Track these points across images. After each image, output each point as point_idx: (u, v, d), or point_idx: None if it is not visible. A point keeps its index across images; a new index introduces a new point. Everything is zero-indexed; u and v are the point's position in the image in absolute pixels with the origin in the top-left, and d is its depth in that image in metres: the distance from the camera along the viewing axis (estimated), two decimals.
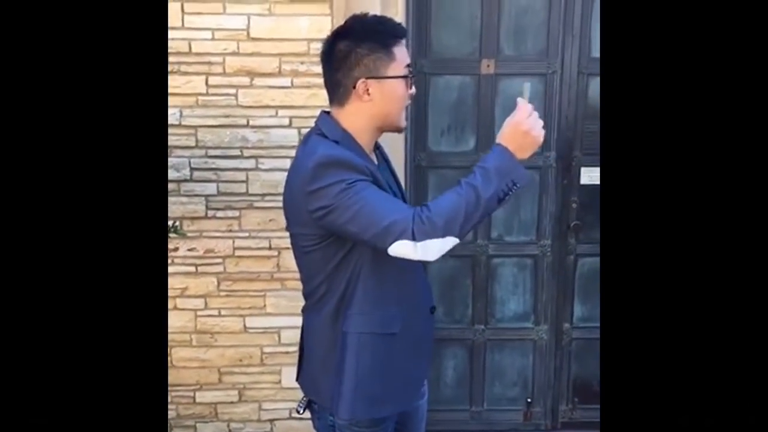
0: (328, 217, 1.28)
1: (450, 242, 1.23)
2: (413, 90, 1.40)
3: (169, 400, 2.50)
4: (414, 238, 1.21)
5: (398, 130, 1.43)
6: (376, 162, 1.44)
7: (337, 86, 1.37)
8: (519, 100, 1.29)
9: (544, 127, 1.29)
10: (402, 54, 1.36)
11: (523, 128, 1.25)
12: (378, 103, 1.35)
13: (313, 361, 1.48)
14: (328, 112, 1.42)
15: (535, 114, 1.28)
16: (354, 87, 1.34)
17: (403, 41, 1.38)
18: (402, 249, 1.23)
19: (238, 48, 2.28)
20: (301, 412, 1.51)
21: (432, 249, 1.23)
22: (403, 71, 1.36)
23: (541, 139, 1.27)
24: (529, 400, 2.74)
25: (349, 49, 1.34)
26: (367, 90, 1.34)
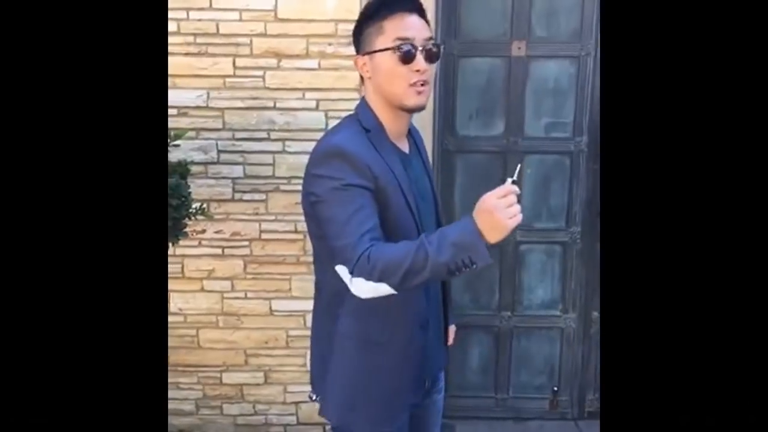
0: (315, 207, 1.28)
1: (384, 289, 1.19)
2: (417, 65, 1.29)
3: (196, 380, 2.53)
4: (352, 272, 1.20)
5: (405, 108, 1.33)
6: (407, 149, 1.41)
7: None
8: (508, 180, 1.15)
9: (522, 212, 1.13)
10: (393, 26, 1.29)
11: (487, 206, 1.12)
12: (374, 79, 1.33)
13: (314, 346, 1.49)
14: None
15: (512, 199, 1.12)
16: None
17: (400, 14, 1.30)
18: (342, 273, 1.24)
19: (265, 29, 2.26)
20: (314, 398, 1.50)
21: (363, 288, 1.21)
22: (391, 44, 1.29)
23: (508, 228, 1.12)
24: (555, 388, 2.71)
25: (355, 28, 1.35)
26: (364, 65, 1.34)
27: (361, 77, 1.39)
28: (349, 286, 1.22)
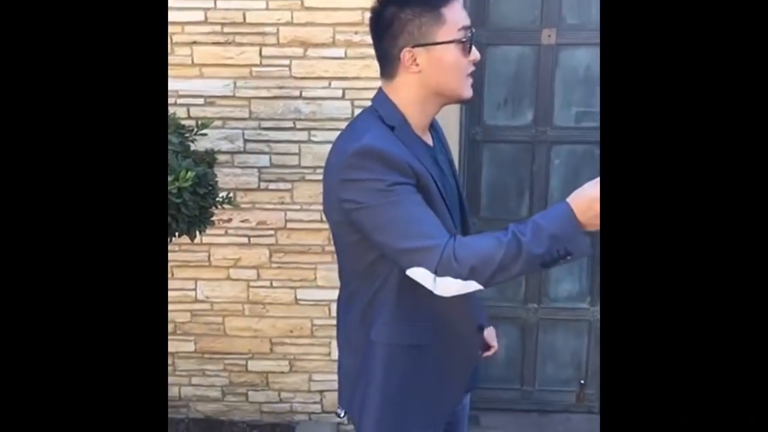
0: (356, 214, 1.18)
1: (472, 286, 1.13)
2: (474, 55, 1.23)
3: (222, 367, 2.56)
4: (435, 272, 1.12)
5: (461, 101, 1.28)
6: (431, 143, 1.33)
7: (384, 57, 1.25)
8: None
9: None
10: (454, 15, 1.20)
11: (598, 207, 1.06)
12: (428, 73, 1.21)
13: (345, 358, 1.40)
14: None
15: None
16: (400, 57, 1.21)
17: (457, 1, 1.21)
18: (419, 276, 1.15)
19: (291, 18, 2.26)
20: (341, 415, 1.43)
21: (449, 287, 1.13)
22: (456, 35, 1.20)
23: None
24: (582, 381, 2.68)
25: (393, 15, 1.21)
26: (415, 59, 1.20)
27: (382, 69, 1.28)
28: (431, 287, 1.15)
